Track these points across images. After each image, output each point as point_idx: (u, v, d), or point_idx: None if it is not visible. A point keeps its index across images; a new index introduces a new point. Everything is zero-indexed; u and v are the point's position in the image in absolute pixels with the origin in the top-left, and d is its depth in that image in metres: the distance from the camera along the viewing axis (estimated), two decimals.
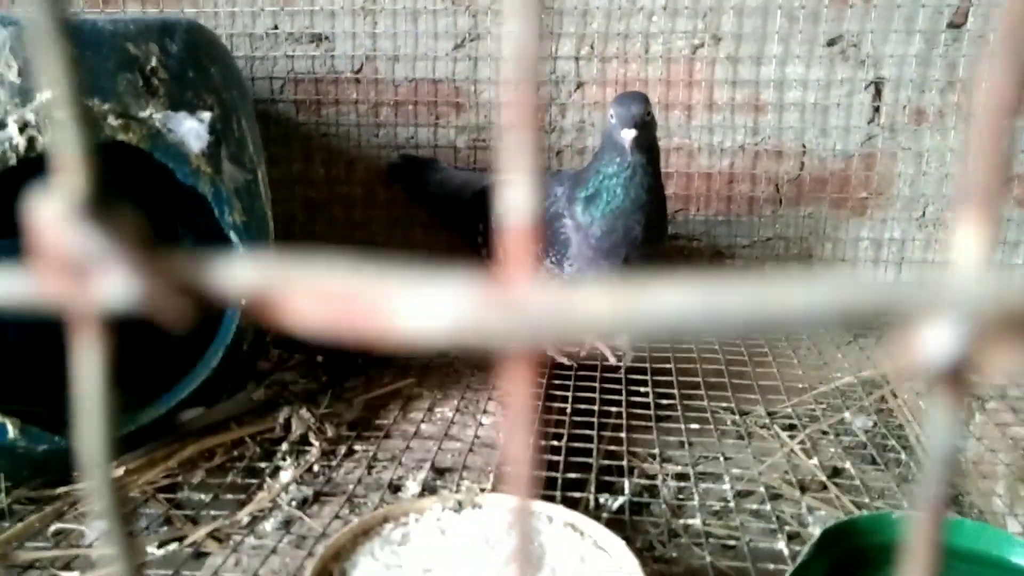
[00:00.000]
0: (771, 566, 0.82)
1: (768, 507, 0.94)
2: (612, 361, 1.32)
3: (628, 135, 1.05)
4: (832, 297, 0.15)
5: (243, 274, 0.17)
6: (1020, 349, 0.14)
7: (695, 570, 0.83)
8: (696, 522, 0.91)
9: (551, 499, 0.90)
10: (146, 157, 0.89)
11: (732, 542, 0.87)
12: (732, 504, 0.95)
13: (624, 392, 1.20)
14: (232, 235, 0.93)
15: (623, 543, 0.78)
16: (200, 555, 0.83)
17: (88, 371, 0.17)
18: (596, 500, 0.94)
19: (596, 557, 0.79)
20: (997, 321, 0.14)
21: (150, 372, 1.09)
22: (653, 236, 1.16)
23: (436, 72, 1.49)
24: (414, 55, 1.49)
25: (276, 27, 1.50)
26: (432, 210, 1.47)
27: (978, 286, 0.15)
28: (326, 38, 1.50)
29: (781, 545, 0.84)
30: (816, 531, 0.90)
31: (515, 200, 0.16)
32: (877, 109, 1.44)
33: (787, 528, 0.89)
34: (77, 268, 0.16)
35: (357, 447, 1.04)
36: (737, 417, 1.19)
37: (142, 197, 1.24)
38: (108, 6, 1.51)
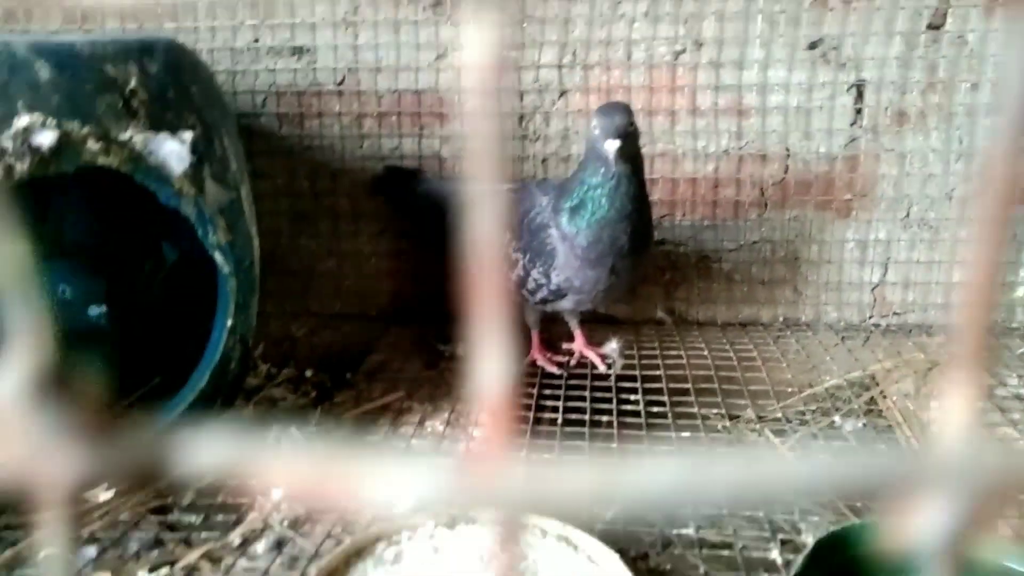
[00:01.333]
0: (764, 575, 0.82)
1: (761, 513, 0.94)
2: (602, 369, 1.32)
3: (612, 146, 1.05)
4: (824, 473, 0.15)
5: (209, 455, 0.16)
6: (1009, 518, 0.14)
7: None
8: (690, 531, 0.91)
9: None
10: (120, 177, 0.88)
11: (726, 552, 0.87)
12: (725, 510, 0.95)
13: (615, 400, 1.20)
14: (216, 255, 0.93)
15: (617, 556, 0.78)
16: None
17: (53, 545, 0.17)
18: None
19: (590, 572, 0.79)
20: (988, 495, 0.14)
21: (138, 392, 1.08)
22: (639, 245, 1.16)
23: (419, 83, 1.49)
24: (396, 66, 1.48)
25: (257, 40, 1.49)
26: (418, 222, 1.47)
27: (970, 461, 0.15)
28: (307, 51, 1.49)
29: (775, 554, 0.84)
30: (809, 538, 0.90)
31: (490, 370, 0.16)
32: (859, 111, 1.45)
33: (780, 536, 0.89)
34: (33, 447, 0.15)
35: None
36: (727, 422, 1.19)
37: (126, 214, 1.23)
38: (87, 23, 1.50)
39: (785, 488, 0.15)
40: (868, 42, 1.41)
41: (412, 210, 1.45)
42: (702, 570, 0.83)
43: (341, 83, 1.50)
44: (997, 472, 0.15)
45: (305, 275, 1.61)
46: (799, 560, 0.71)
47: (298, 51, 1.49)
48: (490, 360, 0.16)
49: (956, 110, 1.42)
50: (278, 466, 0.16)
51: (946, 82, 1.41)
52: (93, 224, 1.29)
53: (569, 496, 0.15)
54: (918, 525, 0.15)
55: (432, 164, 1.52)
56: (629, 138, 1.07)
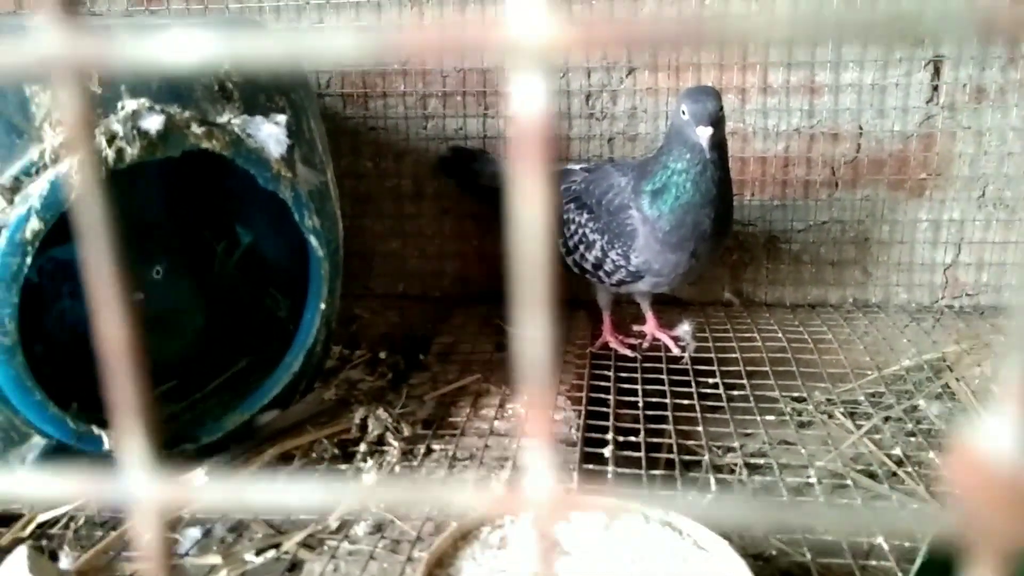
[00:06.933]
0: (873, 563, 0.81)
1: (859, 501, 0.93)
2: (675, 352, 1.31)
3: (704, 133, 1.03)
4: None
5: None
6: None
7: (798, 567, 0.82)
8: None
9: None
10: (189, 159, 0.86)
11: (829, 536, 0.86)
12: (821, 498, 0.94)
13: (694, 384, 1.19)
14: (311, 239, 0.93)
15: (726, 543, 0.78)
16: (296, 563, 0.83)
17: None
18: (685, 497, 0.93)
19: (699, 558, 0.78)
20: None
21: (225, 375, 1.09)
22: (721, 229, 1.14)
23: (485, 61, 1.48)
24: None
25: (322, 20, 1.48)
26: (485, 203, 1.46)
27: None
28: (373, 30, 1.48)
29: (880, 539, 0.83)
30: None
31: None
32: (936, 88, 1.42)
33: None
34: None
35: (435, 446, 1.04)
36: (809, 407, 1.18)
37: (195, 198, 1.23)
38: (152, 3, 1.49)
39: None
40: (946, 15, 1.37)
41: (479, 192, 1.44)
42: (809, 558, 0.82)
43: (406, 62, 1.49)
44: None
45: (368, 256, 1.61)
46: (922, 551, 0.70)
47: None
48: None
49: None
50: None
51: None
52: (163, 207, 1.28)
53: None
54: None
55: (498, 144, 1.51)
56: (719, 124, 1.05)
